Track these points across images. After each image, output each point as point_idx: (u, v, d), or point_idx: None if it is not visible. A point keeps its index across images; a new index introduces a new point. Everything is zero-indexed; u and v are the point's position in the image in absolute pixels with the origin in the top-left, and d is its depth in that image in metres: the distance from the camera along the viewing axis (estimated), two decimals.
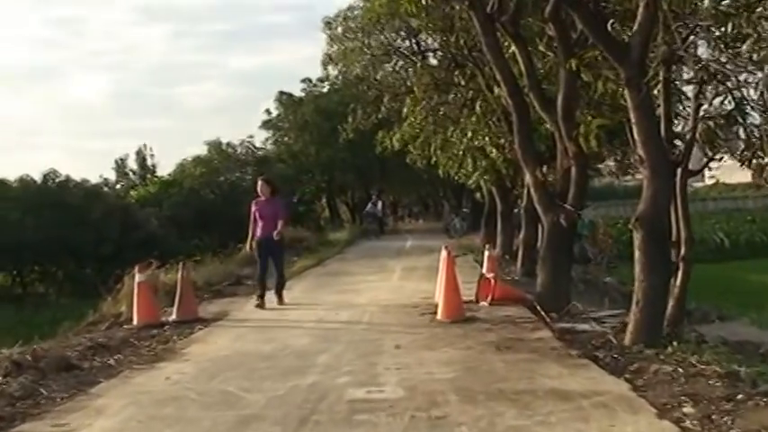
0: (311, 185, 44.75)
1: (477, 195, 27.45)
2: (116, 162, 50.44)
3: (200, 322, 10.75)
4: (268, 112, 44.82)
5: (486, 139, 16.94)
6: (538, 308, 10.18)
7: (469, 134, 17.43)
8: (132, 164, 50.13)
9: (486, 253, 12.17)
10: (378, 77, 24.21)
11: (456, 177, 21.78)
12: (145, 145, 50.43)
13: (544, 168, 11.57)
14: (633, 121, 7.81)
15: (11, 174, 32.45)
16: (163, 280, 13.41)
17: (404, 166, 28.46)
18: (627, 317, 8.43)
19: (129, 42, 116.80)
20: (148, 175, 45.18)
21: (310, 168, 43.69)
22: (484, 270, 11.93)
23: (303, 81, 43.60)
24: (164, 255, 20.28)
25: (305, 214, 41.21)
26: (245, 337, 9.58)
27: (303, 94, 43.72)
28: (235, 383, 6.82)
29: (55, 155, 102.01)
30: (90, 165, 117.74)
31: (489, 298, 11.11)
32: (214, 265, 17.75)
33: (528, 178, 11.89)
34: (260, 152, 43.09)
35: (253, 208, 12.35)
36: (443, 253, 10.79)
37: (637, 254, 7.86)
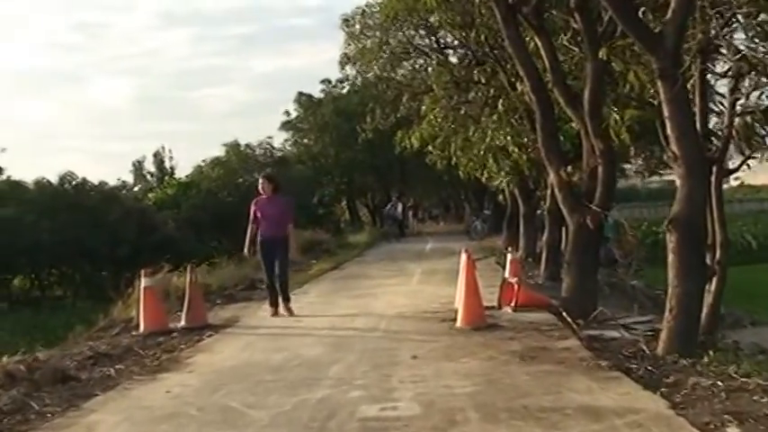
0: (331, 187, 44.46)
1: (500, 198, 27.08)
2: (133, 164, 50.29)
3: (210, 329, 10.34)
4: (287, 113, 44.76)
5: (509, 138, 16.48)
6: (564, 314, 9.69)
7: (490, 133, 16.95)
8: (150, 166, 49.96)
9: (509, 256, 11.72)
10: (396, 76, 23.85)
11: (481, 178, 21.31)
12: (162, 147, 50.07)
13: (569, 168, 11.09)
14: (666, 115, 7.28)
15: (33, 176, 32.15)
16: (175, 284, 13.08)
17: (424, 167, 28.17)
18: (658, 323, 7.96)
19: (150, 46, 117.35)
20: (166, 178, 44.90)
21: (330, 170, 43.54)
22: (506, 274, 11.47)
23: (322, 82, 43.59)
24: (181, 257, 20.07)
25: (324, 216, 40.90)
26: (255, 345, 9.13)
27: (322, 96, 43.51)
28: (239, 398, 6.38)
29: (76, 158, 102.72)
30: (112, 168, 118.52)
31: (512, 303, 10.59)
32: (229, 269, 17.44)
33: (552, 178, 11.43)
34: (279, 153, 42.83)
35: (252, 207, 11.38)
36: (463, 256, 10.30)
37: (670, 258, 7.34)
